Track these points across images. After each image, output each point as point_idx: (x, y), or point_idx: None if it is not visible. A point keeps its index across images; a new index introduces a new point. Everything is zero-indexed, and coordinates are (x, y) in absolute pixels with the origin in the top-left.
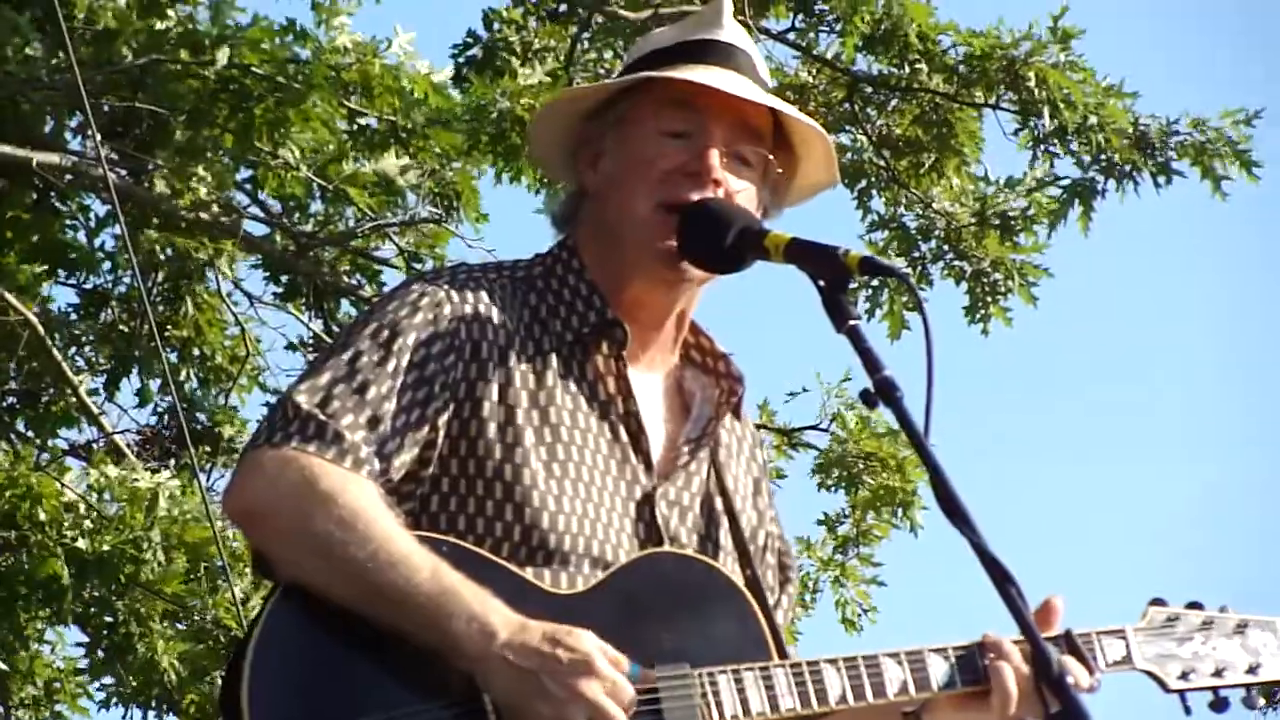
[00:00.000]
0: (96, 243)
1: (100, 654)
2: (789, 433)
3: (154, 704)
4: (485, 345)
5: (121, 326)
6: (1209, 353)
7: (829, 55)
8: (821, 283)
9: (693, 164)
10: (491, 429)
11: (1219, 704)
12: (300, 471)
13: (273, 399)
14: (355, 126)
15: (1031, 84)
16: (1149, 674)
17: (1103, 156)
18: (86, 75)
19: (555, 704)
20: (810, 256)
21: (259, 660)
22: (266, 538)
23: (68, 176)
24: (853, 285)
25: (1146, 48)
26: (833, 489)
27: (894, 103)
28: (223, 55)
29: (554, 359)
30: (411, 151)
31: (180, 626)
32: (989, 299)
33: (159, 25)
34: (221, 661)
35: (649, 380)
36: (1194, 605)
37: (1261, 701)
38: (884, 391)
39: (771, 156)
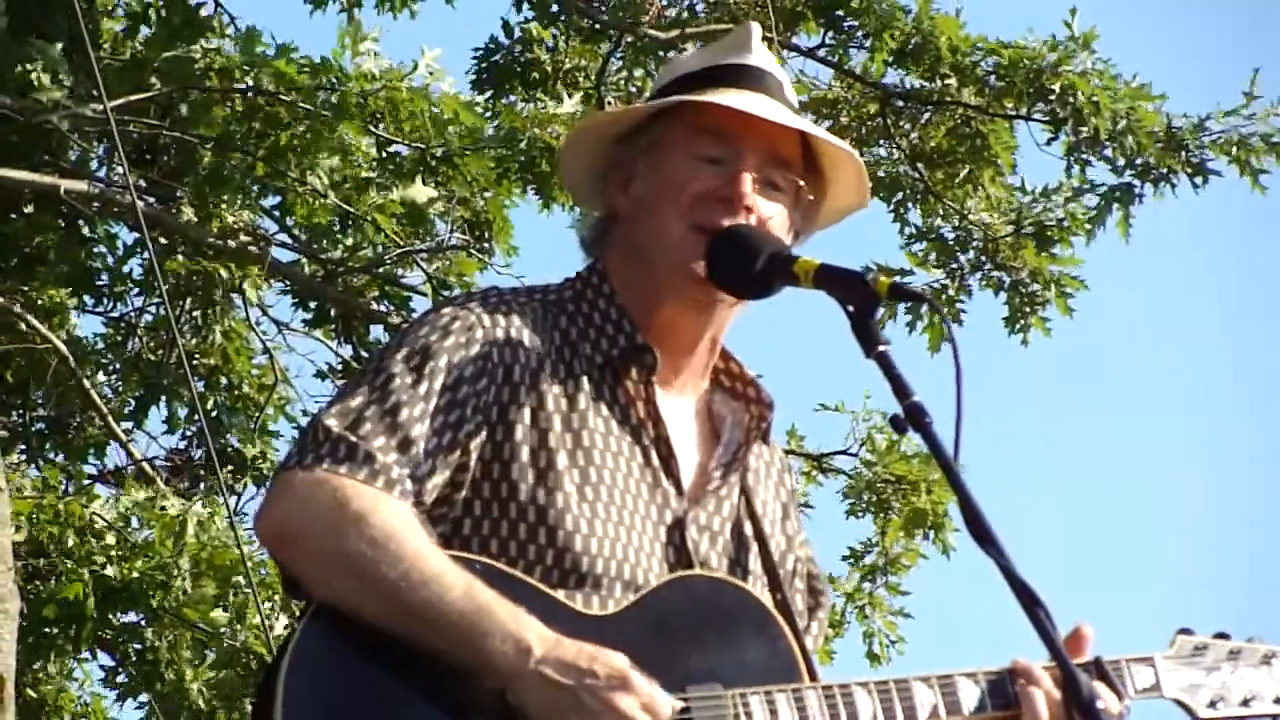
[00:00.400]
0: (124, 270)
1: (125, 679)
2: (818, 458)
3: None
4: (518, 369)
5: (149, 355)
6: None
7: (859, 71)
8: (851, 308)
9: (725, 190)
10: (524, 452)
11: None
12: (332, 493)
13: (300, 427)
14: (384, 154)
15: (1058, 93)
16: (1178, 702)
17: (1138, 161)
18: (114, 104)
19: (593, 718)
20: (839, 282)
21: (291, 682)
22: (298, 559)
23: (94, 204)
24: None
25: (1156, 45)
26: (861, 515)
27: (926, 116)
28: (266, 79)
29: (585, 382)
30: (441, 179)
31: (209, 654)
32: (1027, 309)
33: (185, 53)
34: (250, 687)
35: (680, 405)
36: (1221, 635)
37: None
38: (913, 417)
39: (803, 183)
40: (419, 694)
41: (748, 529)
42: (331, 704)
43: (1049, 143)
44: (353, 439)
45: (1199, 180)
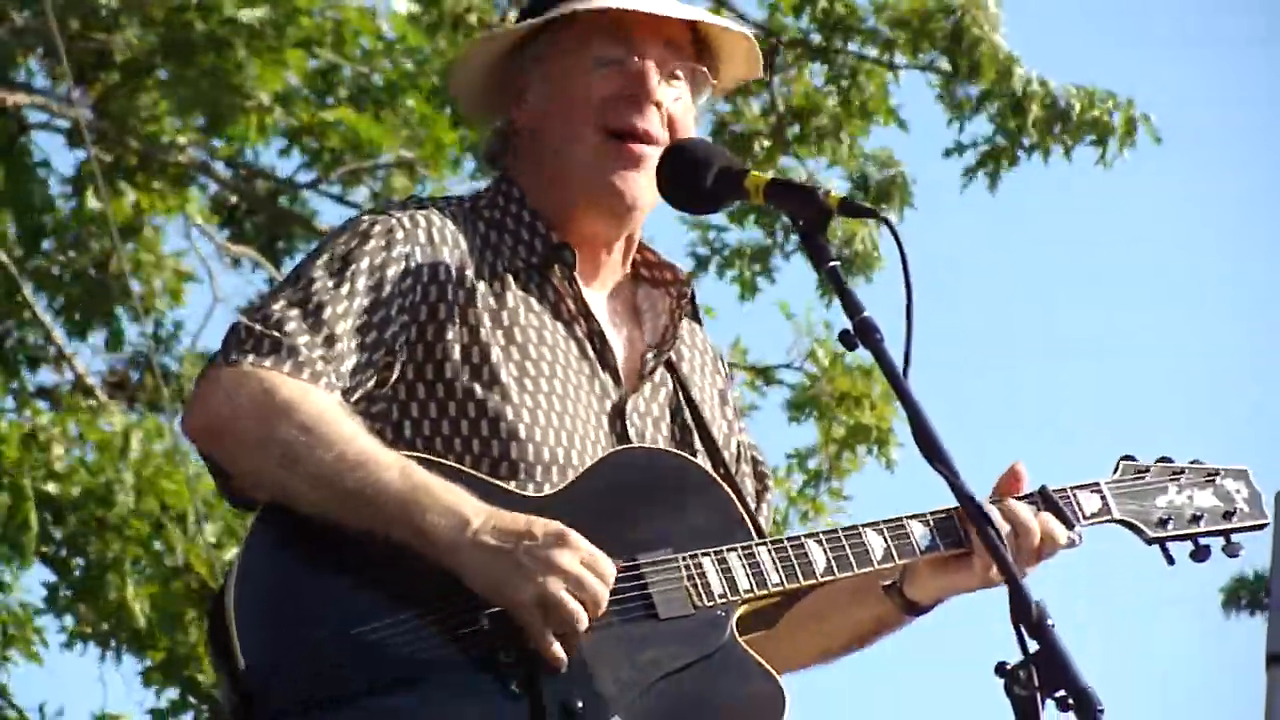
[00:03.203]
0: (59, 180)
1: (68, 593)
2: (763, 370)
3: (123, 646)
4: (443, 269)
5: (84, 270)
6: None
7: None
8: (801, 223)
9: (630, 87)
10: (456, 350)
11: (1200, 553)
12: (259, 383)
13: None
14: (328, 70)
15: (965, 45)
16: (1127, 524)
17: (1018, 125)
18: (60, 17)
19: (533, 578)
20: (790, 197)
21: (243, 582)
22: (228, 451)
23: (32, 116)
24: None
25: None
26: (803, 421)
27: (795, 69)
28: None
29: (512, 282)
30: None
31: (149, 571)
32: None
33: None
34: (192, 604)
35: (604, 298)
36: (1164, 459)
37: (1243, 550)
38: (863, 333)
39: (703, 68)
40: (366, 579)
41: (687, 414)
42: (281, 600)
43: (939, 97)
44: (276, 335)
45: (1072, 145)
